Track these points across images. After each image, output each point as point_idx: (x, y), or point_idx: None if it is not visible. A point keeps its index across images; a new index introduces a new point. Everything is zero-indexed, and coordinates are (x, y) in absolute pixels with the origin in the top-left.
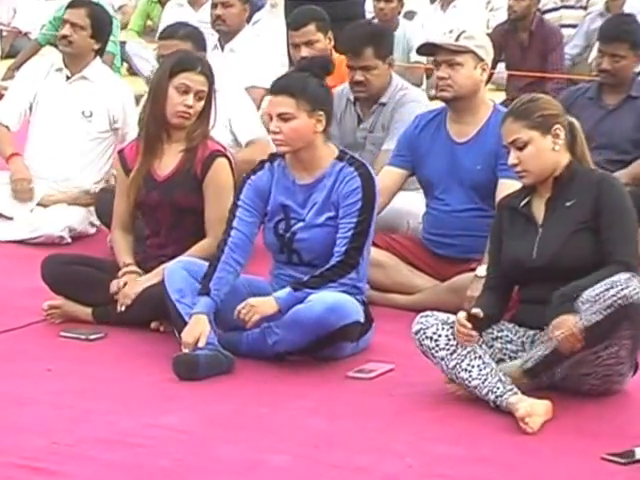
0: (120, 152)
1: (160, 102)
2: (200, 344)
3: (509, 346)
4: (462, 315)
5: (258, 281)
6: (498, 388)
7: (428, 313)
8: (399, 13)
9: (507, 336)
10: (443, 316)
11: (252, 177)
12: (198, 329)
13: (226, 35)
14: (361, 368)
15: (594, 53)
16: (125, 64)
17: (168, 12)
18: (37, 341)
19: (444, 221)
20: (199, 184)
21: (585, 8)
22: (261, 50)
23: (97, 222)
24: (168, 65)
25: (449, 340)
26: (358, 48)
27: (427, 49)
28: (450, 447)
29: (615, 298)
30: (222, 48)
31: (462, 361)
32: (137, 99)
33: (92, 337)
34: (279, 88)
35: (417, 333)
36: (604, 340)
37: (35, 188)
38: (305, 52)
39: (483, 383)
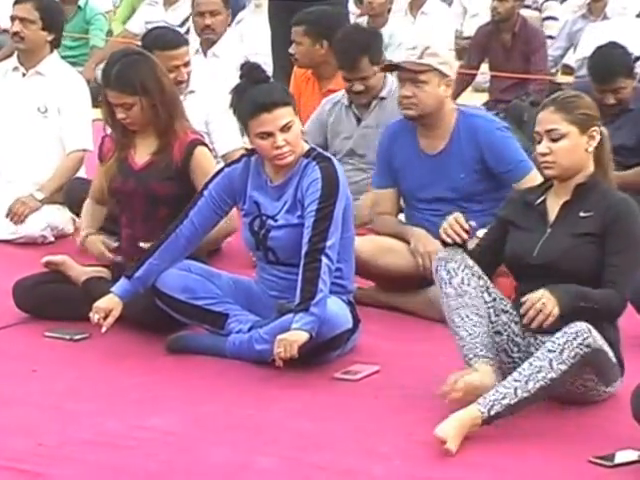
0: (103, 137)
1: (109, 115)
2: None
3: (513, 326)
4: (458, 216)
5: (244, 280)
6: (481, 350)
7: (457, 249)
8: (389, 11)
9: (516, 316)
10: (468, 260)
11: (228, 168)
12: (110, 306)
13: (210, 41)
14: (347, 370)
15: (578, 55)
16: None
17: (142, 9)
18: (21, 341)
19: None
20: (178, 173)
21: (540, 10)
22: (245, 54)
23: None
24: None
25: (462, 283)
26: (353, 62)
27: (391, 66)
28: (437, 449)
29: (581, 346)
30: (204, 53)
31: (464, 308)
32: None
33: (77, 337)
34: (275, 101)
35: (440, 260)
36: (566, 384)
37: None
38: (291, 49)
39: (469, 337)
